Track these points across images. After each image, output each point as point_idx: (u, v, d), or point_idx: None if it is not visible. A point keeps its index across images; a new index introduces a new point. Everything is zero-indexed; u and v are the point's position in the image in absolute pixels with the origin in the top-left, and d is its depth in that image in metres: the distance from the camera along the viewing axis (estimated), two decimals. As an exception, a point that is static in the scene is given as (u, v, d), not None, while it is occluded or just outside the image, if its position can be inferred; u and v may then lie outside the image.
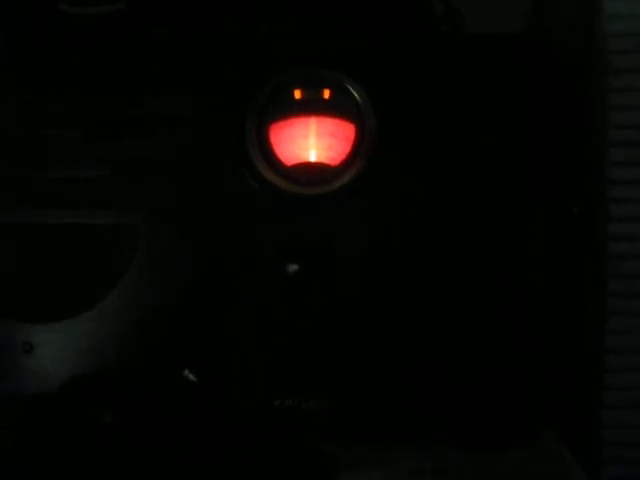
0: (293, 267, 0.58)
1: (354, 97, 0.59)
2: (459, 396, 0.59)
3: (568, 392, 0.62)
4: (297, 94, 0.59)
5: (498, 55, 0.59)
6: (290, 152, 0.59)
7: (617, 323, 0.54)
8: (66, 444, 0.57)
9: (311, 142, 0.59)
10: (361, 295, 0.59)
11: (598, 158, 0.54)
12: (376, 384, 0.59)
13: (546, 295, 0.61)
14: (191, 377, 0.58)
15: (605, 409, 0.54)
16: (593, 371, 0.55)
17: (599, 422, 0.54)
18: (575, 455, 0.59)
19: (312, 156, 0.59)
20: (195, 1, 0.63)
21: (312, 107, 0.59)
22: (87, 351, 0.59)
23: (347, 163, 0.59)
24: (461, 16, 0.63)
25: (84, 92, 0.60)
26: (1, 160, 0.60)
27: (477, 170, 0.59)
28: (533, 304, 0.59)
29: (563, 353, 0.62)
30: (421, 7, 0.63)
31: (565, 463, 0.59)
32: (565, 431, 0.62)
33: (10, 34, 0.62)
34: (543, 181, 0.60)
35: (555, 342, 0.63)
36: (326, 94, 0.59)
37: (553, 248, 0.63)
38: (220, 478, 0.55)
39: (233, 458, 0.57)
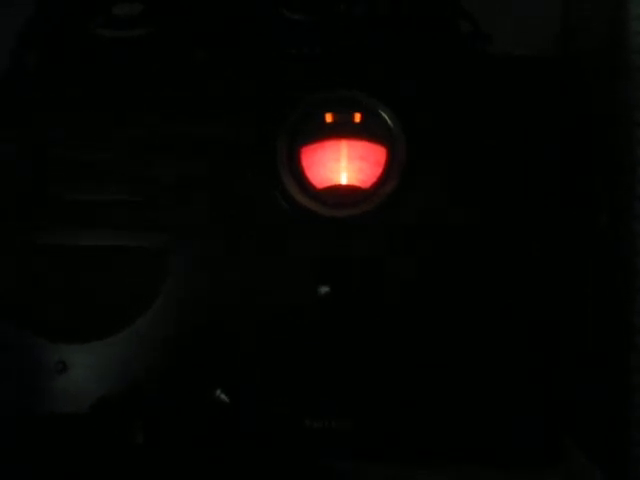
0: (324, 289, 0.58)
1: (385, 120, 0.59)
2: (484, 414, 0.59)
3: (595, 409, 0.62)
4: (328, 118, 0.60)
5: (529, 77, 0.60)
6: (321, 175, 0.60)
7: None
8: (98, 464, 0.57)
9: (342, 165, 0.60)
10: (391, 315, 0.59)
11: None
12: (407, 404, 0.59)
13: (572, 309, 0.61)
14: (223, 397, 0.59)
15: (635, 428, 0.54)
16: (622, 389, 0.55)
17: (628, 440, 0.55)
18: (602, 473, 0.60)
19: (343, 179, 0.60)
20: (224, 25, 0.63)
21: (343, 130, 0.60)
22: (120, 371, 0.60)
23: (378, 186, 0.59)
24: (489, 38, 0.64)
25: (115, 114, 0.60)
26: (33, 181, 0.60)
27: (509, 192, 0.59)
28: (562, 323, 0.60)
29: (589, 368, 0.63)
30: (449, 29, 0.64)
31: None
32: (591, 448, 0.62)
33: (42, 57, 0.63)
34: (575, 202, 0.61)
35: (580, 358, 0.63)
36: (357, 117, 0.60)
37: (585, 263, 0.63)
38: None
39: (263, 478, 0.58)
